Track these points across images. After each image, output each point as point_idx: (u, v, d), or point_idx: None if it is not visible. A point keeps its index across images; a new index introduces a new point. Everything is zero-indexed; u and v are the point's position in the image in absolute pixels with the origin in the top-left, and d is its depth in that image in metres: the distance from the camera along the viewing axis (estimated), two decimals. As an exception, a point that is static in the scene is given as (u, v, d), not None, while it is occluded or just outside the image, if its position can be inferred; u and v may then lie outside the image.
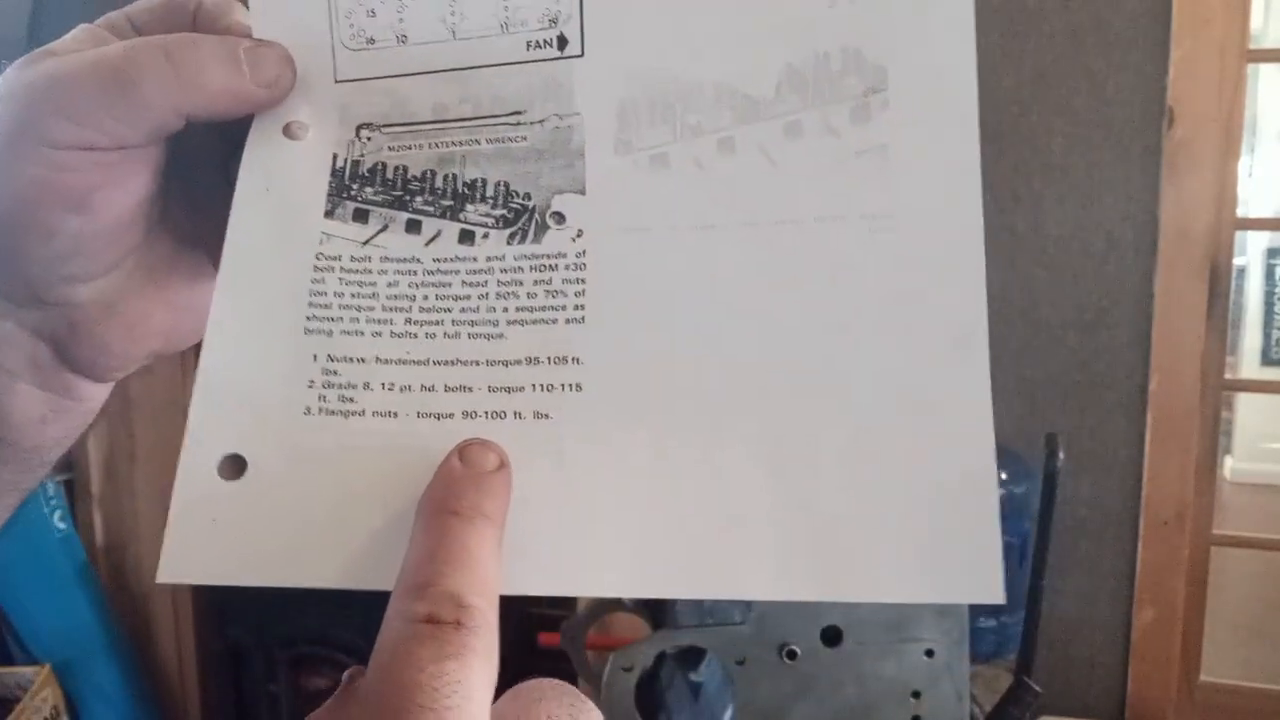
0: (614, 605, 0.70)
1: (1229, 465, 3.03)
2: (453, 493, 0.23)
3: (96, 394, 0.30)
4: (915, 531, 0.24)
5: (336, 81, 0.30)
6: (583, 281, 0.27)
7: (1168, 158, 1.25)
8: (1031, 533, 1.11)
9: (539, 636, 1.01)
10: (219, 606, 1.45)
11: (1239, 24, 1.23)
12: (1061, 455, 1.10)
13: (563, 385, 0.26)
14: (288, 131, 0.29)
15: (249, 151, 0.29)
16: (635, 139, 0.28)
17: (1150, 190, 1.26)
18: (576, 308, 0.27)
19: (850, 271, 0.26)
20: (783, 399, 0.25)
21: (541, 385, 0.26)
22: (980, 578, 0.23)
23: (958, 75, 0.26)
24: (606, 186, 0.28)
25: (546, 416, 0.26)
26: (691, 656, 0.62)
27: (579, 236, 0.27)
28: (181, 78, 0.26)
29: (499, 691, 0.21)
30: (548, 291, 0.27)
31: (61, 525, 1.36)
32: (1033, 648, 1.16)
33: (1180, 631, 1.31)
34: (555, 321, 0.27)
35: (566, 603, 1.06)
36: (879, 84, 0.27)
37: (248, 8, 0.30)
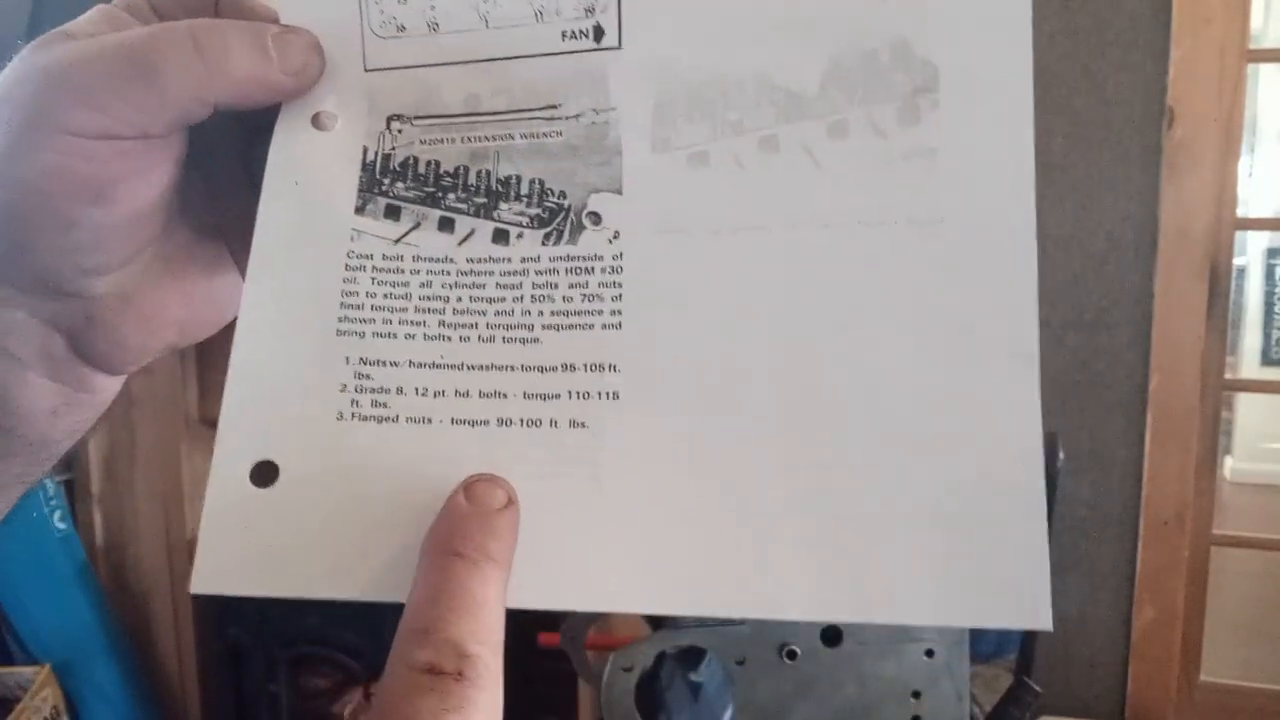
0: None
1: (1229, 465, 3.03)
2: (458, 533, 0.22)
3: (109, 386, 0.29)
4: (959, 553, 0.23)
5: (366, 70, 0.29)
6: (619, 285, 0.26)
7: (1168, 158, 1.25)
8: (1031, 533, 1.11)
9: (539, 636, 1.01)
10: (219, 606, 1.45)
11: (1239, 24, 1.23)
12: (1061, 455, 1.10)
13: (599, 393, 0.25)
14: (316, 122, 0.29)
15: (276, 143, 0.28)
16: (674, 136, 0.27)
17: (1150, 190, 1.26)
18: (614, 313, 0.26)
19: (895, 279, 0.25)
20: (823, 413, 0.24)
21: (578, 393, 0.25)
22: (1027, 602, 0.22)
23: (1013, 75, 0.25)
24: (644, 186, 0.27)
25: (583, 425, 0.25)
26: (691, 656, 0.62)
27: (616, 238, 0.27)
28: (207, 65, 0.25)
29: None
30: (584, 295, 0.26)
31: (61, 525, 1.36)
32: (1033, 648, 1.16)
33: (1180, 631, 1.31)
34: (592, 327, 0.26)
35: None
36: (929, 83, 0.26)
37: None
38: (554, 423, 0.25)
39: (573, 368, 0.26)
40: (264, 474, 0.25)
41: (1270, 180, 2.88)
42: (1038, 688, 1.12)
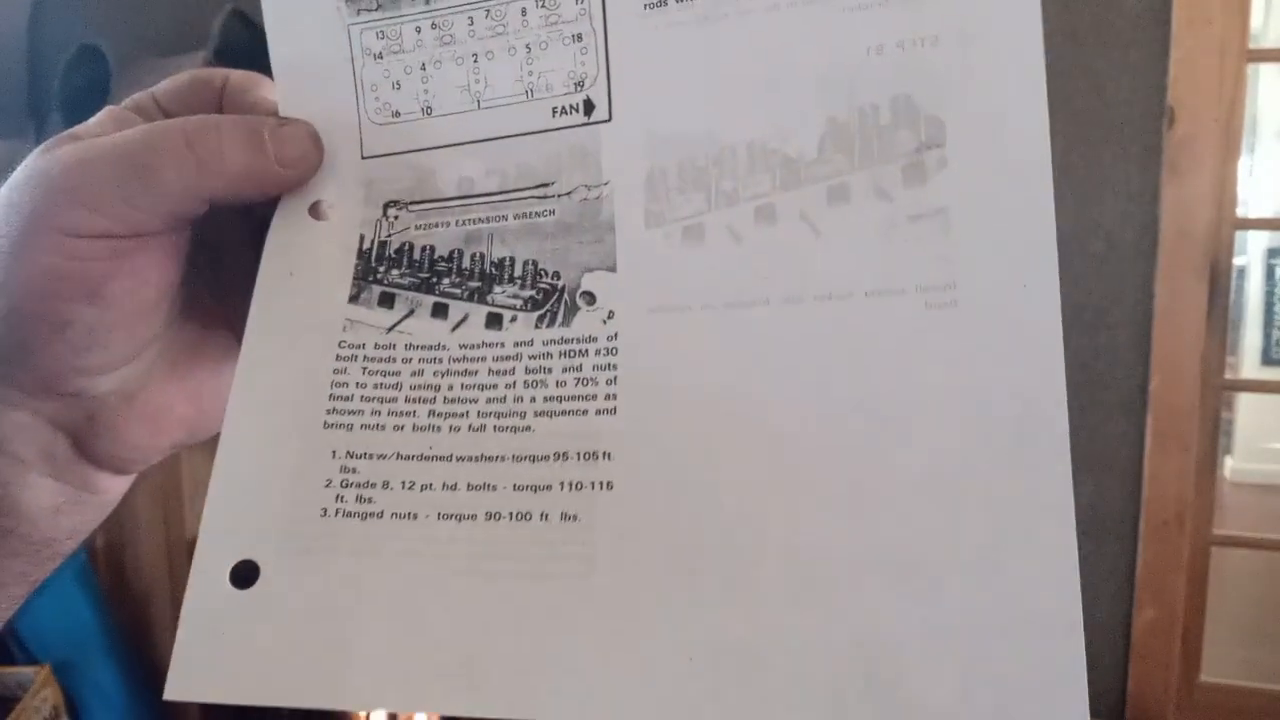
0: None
1: (1229, 465, 3.02)
2: None
3: (115, 486, 0.29)
4: (983, 673, 0.20)
5: (363, 158, 0.29)
6: (614, 368, 0.25)
7: (1168, 158, 1.25)
8: (1031, 533, 1.11)
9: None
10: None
11: (1239, 24, 1.23)
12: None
13: (592, 484, 0.24)
14: (313, 211, 0.29)
15: (273, 233, 0.28)
16: (667, 209, 0.26)
17: (1150, 190, 1.26)
18: (608, 397, 0.25)
19: (907, 353, 0.23)
20: (829, 508, 0.22)
21: (570, 484, 0.24)
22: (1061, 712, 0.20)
23: (1027, 124, 0.23)
24: (638, 263, 0.26)
25: (574, 518, 0.24)
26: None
27: (610, 318, 0.26)
28: (200, 161, 0.26)
29: None
30: (578, 379, 0.25)
31: (61, 525, 1.36)
32: (1033, 648, 1.15)
33: (1180, 631, 1.31)
34: (585, 413, 0.25)
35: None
36: (935, 138, 0.24)
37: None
38: (544, 515, 0.24)
39: (565, 456, 0.25)
40: (244, 574, 0.25)
41: (1270, 180, 2.87)
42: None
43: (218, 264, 0.30)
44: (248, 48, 1.38)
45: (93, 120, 0.28)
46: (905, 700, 0.21)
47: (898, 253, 0.24)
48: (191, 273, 0.28)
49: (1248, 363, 3.08)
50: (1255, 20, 1.32)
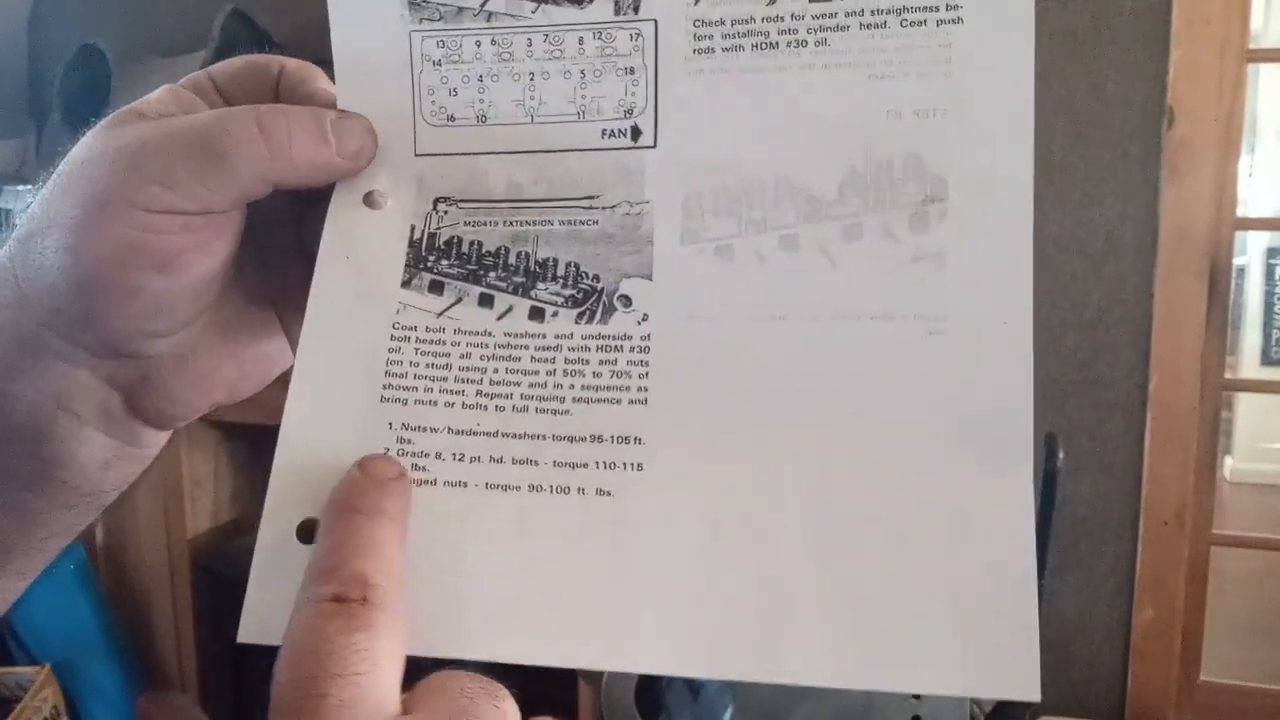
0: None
1: (1229, 465, 3.03)
2: (355, 493, 0.24)
3: (157, 440, 0.31)
4: (957, 629, 0.25)
5: (416, 155, 0.31)
6: (646, 364, 0.28)
7: (1168, 158, 1.25)
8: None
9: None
10: (219, 606, 1.45)
11: (1239, 24, 1.23)
12: (1061, 455, 1.10)
13: (624, 464, 0.27)
14: (368, 200, 0.30)
15: (330, 219, 0.30)
16: (701, 229, 0.29)
17: (1150, 190, 1.26)
18: (640, 389, 0.28)
19: (901, 370, 0.27)
20: (831, 491, 0.26)
21: (604, 463, 0.27)
22: (1019, 676, 0.24)
23: (1015, 188, 0.27)
24: (672, 273, 0.29)
25: (608, 494, 0.27)
26: (691, 656, 0.62)
27: (644, 320, 0.28)
28: (271, 149, 0.27)
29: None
30: (613, 372, 0.28)
31: (61, 525, 1.36)
32: (1033, 648, 1.14)
33: (1180, 631, 1.31)
34: (619, 401, 0.28)
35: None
36: (939, 194, 0.27)
37: (329, 75, 0.31)
38: (581, 490, 0.27)
39: (600, 439, 0.27)
40: (310, 531, 0.26)
41: (1270, 180, 2.87)
42: (1038, 688, 1.11)
43: (262, 240, 0.31)
44: (248, 47, 1.38)
45: (153, 97, 0.29)
46: (880, 648, 0.25)
47: (900, 286, 0.27)
48: (242, 249, 0.30)
49: (1247, 363, 3.08)
50: (1255, 20, 1.32)
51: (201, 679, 1.45)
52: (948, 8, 0.28)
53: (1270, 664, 1.87)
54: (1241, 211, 1.28)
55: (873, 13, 0.28)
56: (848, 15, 0.28)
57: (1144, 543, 1.30)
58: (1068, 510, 1.29)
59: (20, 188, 1.44)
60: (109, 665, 1.37)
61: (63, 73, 1.44)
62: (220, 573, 1.40)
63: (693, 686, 0.62)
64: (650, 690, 0.62)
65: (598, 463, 0.27)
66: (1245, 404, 3.03)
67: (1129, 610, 1.32)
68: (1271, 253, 3.06)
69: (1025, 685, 0.24)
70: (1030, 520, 0.25)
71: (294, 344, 0.30)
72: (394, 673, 0.21)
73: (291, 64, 0.31)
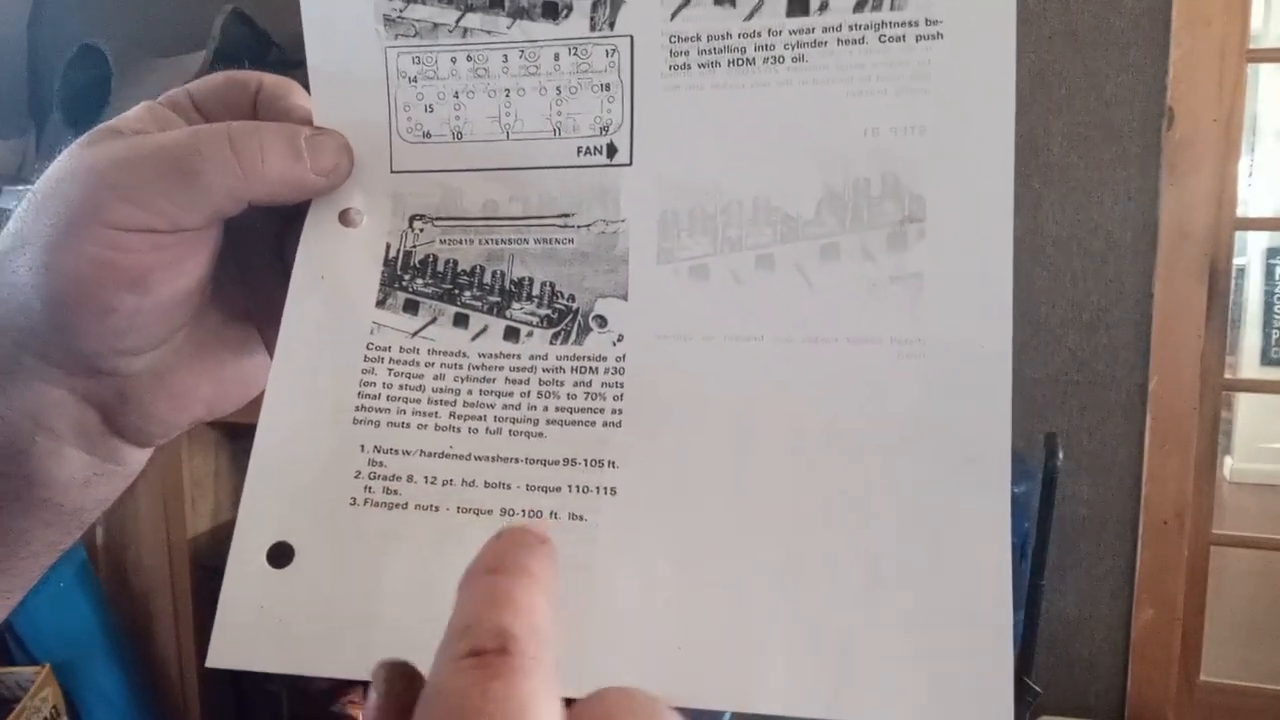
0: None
1: (1229, 465, 3.03)
2: (493, 555, 0.22)
3: (138, 458, 0.31)
4: (928, 662, 0.24)
5: (392, 171, 0.30)
6: (621, 386, 0.28)
7: (1168, 158, 1.25)
8: (1031, 533, 1.11)
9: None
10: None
11: (1239, 24, 1.23)
12: (1061, 455, 1.10)
13: (598, 488, 0.27)
14: (344, 218, 0.30)
15: (305, 238, 0.30)
16: (676, 248, 0.28)
17: (1150, 190, 1.26)
18: (615, 411, 0.27)
19: (878, 394, 0.26)
20: (805, 517, 0.26)
21: (578, 487, 0.27)
22: (991, 711, 0.23)
23: (995, 208, 0.26)
24: (648, 293, 0.28)
25: (581, 518, 0.26)
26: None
27: (620, 341, 0.28)
28: (244, 166, 0.27)
29: None
30: (587, 393, 0.28)
31: (61, 525, 1.36)
32: (1033, 648, 1.15)
33: (1180, 631, 1.31)
34: (594, 424, 0.27)
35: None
36: (917, 213, 0.27)
37: (306, 89, 0.31)
38: (554, 514, 0.26)
39: (574, 462, 0.27)
40: (280, 555, 0.27)
41: (1270, 180, 2.87)
42: (1038, 688, 1.12)
43: (241, 256, 0.31)
44: (248, 48, 1.38)
45: (131, 114, 0.29)
46: (850, 677, 0.24)
47: (878, 308, 0.27)
48: (220, 265, 0.29)
49: (1247, 363, 3.08)
50: (1255, 20, 1.32)
51: (201, 679, 1.45)
52: (927, 23, 0.27)
53: (1270, 664, 1.87)
54: (1241, 211, 1.28)
55: (851, 28, 0.27)
56: (825, 31, 0.28)
57: (1144, 543, 1.30)
58: (1068, 510, 1.29)
59: (20, 188, 1.44)
60: (109, 665, 1.37)
61: (63, 73, 1.44)
62: (220, 573, 1.40)
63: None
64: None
65: (571, 487, 0.27)
66: (1245, 404, 3.03)
67: (1129, 610, 1.32)
68: (1271, 253, 3.06)
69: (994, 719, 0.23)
70: (1006, 551, 0.24)
71: None
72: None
73: (270, 80, 0.31)
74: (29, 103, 1.65)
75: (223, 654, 0.25)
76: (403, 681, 0.21)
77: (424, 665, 0.24)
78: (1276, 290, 3.11)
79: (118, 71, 1.40)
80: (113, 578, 1.44)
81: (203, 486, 1.44)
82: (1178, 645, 1.31)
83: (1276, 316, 3.10)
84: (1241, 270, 2.99)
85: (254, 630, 0.26)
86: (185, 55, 1.40)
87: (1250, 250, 3.05)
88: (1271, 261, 3.08)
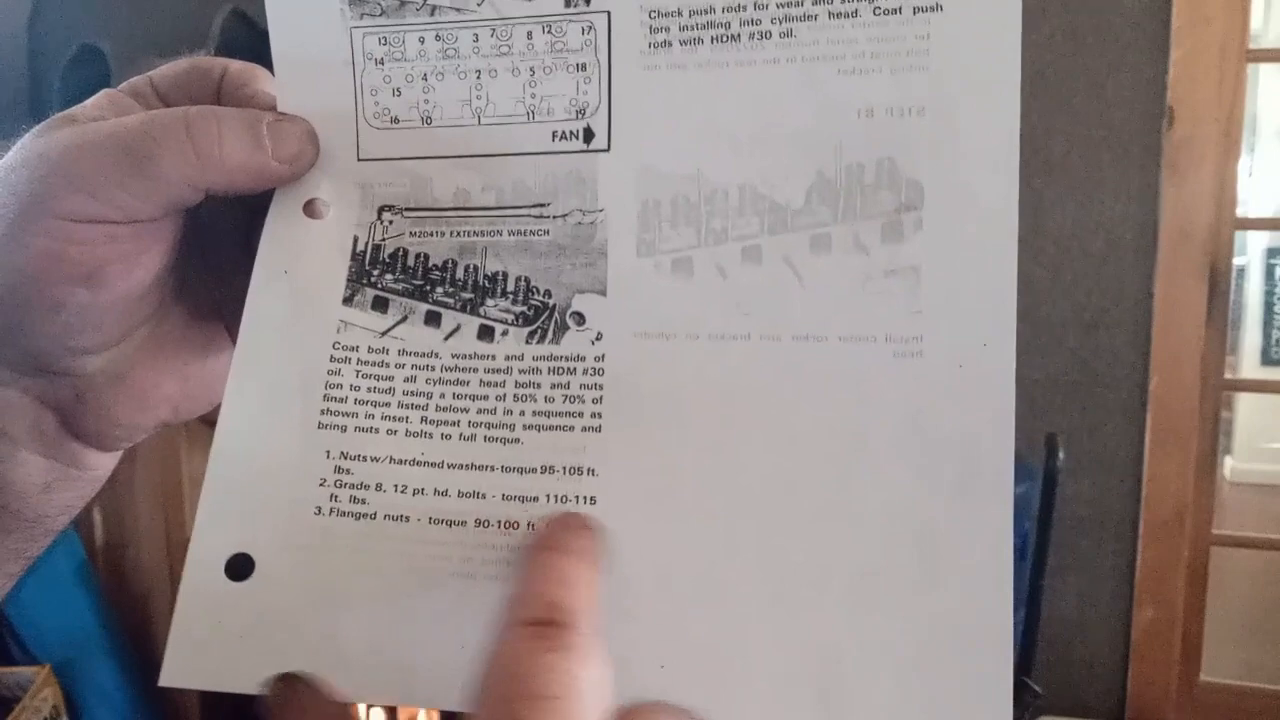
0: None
1: (1229, 465, 3.02)
2: (550, 534, 0.24)
3: (103, 463, 0.29)
4: (919, 669, 0.23)
5: (359, 160, 0.29)
6: (600, 388, 0.26)
7: (1168, 158, 1.25)
8: (1031, 533, 1.11)
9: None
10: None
11: (1239, 24, 1.23)
12: (1061, 455, 1.10)
13: (577, 498, 0.25)
14: (309, 209, 0.29)
15: (268, 230, 0.28)
16: (658, 240, 0.27)
17: (1150, 190, 1.26)
18: (594, 415, 0.26)
19: (872, 396, 0.25)
20: (793, 525, 0.24)
21: (556, 496, 0.25)
22: (989, 717, 0.23)
23: (998, 195, 0.25)
24: (627, 288, 0.27)
25: None
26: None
27: (599, 339, 0.27)
28: (199, 153, 0.26)
29: None
30: (565, 396, 0.26)
31: (61, 525, 1.36)
32: (1033, 648, 1.15)
33: (1180, 631, 1.31)
34: (572, 429, 0.26)
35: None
36: (914, 201, 0.25)
37: (273, 74, 0.29)
38: (531, 525, 0.25)
39: (551, 470, 0.26)
40: (239, 567, 0.25)
41: (1270, 180, 2.87)
42: (1038, 688, 1.11)
43: (208, 250, 0.30)
44: (248, 47, 1.38)
45: (89, 103, 0.28)
46: (841, 687, 0.23)
47: (872, 303, 0.25)
48: (182, 258, 0.28)
49: (1247, 363, 3.07)
50: (1255, 20, 1.32)
51: (201, 679, 1.45)
52: None
53: (1270, 664, 1.87)
54: (1241, 211, 1.28)
55: (843, 0, 0.26)
56: (815, 3, 0.26)
57: (1144, 543, 1.30)
58: (1068, 510, 1.29)
59: (20, 188, 1.44)
60: (109, 665, 1.37)
61: (63, 73, 1.44)
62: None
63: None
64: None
65: (549, 496, 0.25)
66: (1245, 404, 3.03)
67: (1129, 610, 1.32)
68: (1271, 253, 3.06)
69: None
70: (1008, 559, 0.23)
71: None
72: (596, 701, 0.20)
73: (235, 66, 0.29)
74: (29, 103, 1.65)
75: (177, 672, 0.24)
76: (299, 692, 0.22)
77: (393, 684, 0.24)
78: (1276, 290, 3.11)
79: (118, 72, 1.40)
80: (112, 578, 1.44)
81: (202, 486, 1.44)
82: (1178, 645, 1.31)
83: (1276, 316, 3.10)
84: (1241, 270, 2.99)
85: (211, 647, 0.24)
86: (185, 55, 1.40)
87: (1250, 250, 3.04)
88: (1271, 261, 3.07)
